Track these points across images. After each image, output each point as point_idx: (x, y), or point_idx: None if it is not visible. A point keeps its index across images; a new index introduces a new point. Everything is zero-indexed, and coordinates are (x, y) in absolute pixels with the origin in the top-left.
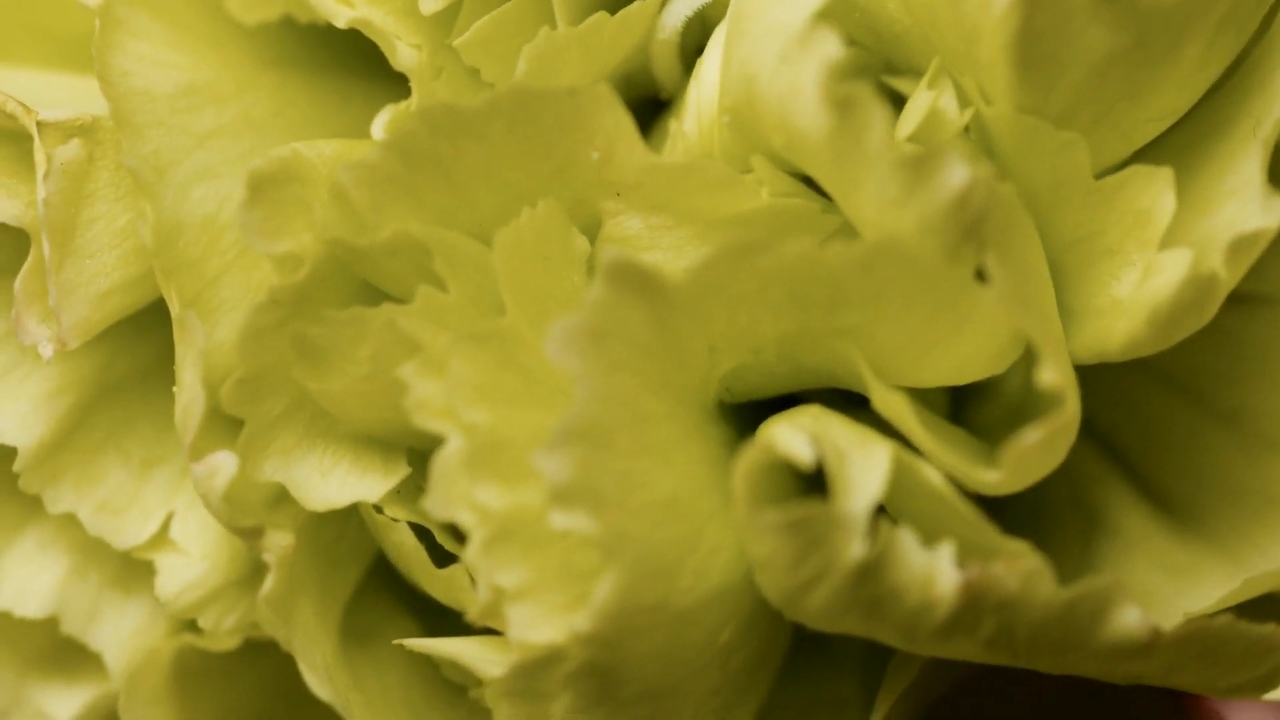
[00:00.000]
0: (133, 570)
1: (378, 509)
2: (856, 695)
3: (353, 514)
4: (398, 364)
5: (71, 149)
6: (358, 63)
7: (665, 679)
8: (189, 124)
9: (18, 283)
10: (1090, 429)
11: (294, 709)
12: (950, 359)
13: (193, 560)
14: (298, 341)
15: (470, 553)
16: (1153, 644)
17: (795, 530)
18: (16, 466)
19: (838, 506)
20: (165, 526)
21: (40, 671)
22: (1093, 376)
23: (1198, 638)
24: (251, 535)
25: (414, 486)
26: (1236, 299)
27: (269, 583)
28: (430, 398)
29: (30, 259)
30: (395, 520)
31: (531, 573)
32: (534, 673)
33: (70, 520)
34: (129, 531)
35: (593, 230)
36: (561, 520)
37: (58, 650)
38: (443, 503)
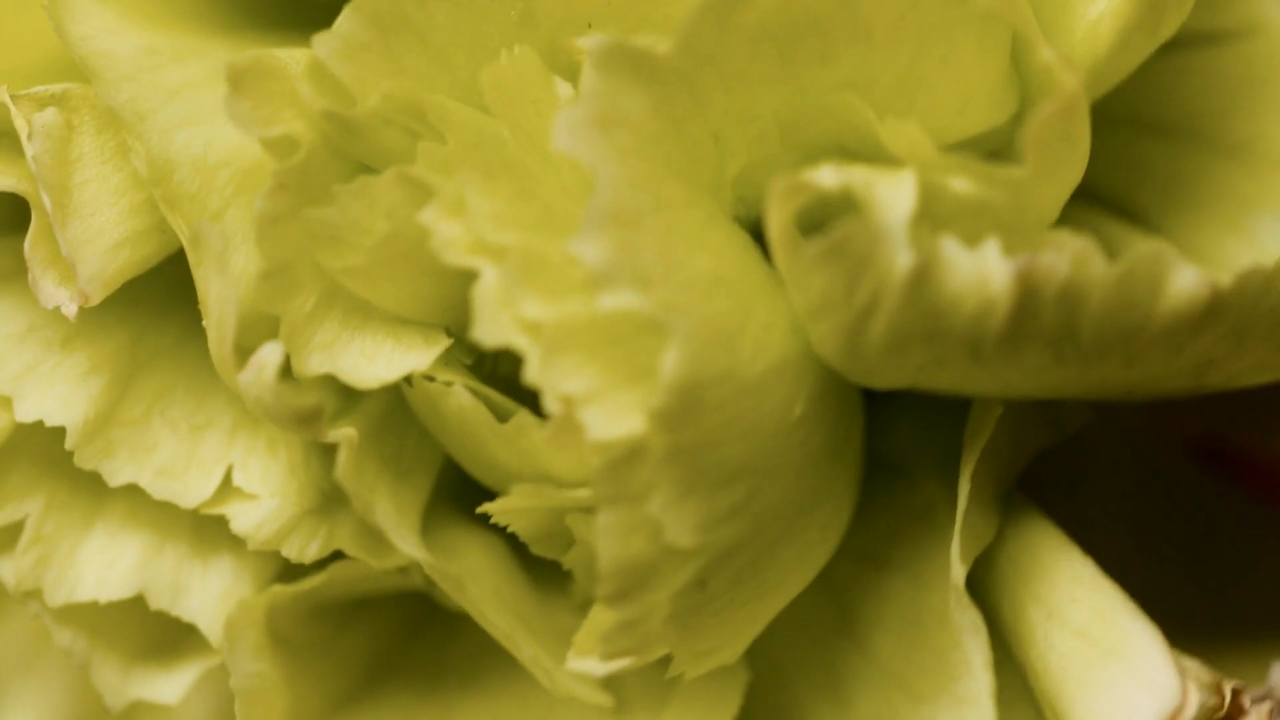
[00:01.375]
0: (206, 540)
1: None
2: (940, 495)
3: (411, 426)
4: (415, 216)
5: (49, 115)
6: (303, 19)
7: (749, 457)
8: (157, 79)
9: (27, 248)
10: (1099, 195)
11: (389, 674)
12: (949, 98)
13: (263, 500)
14: (311, 224)
15: (532, 371)
16: (1215, 302)
17: (840, 252)
18: (69, 444)
19: (875, 219)
20: (228, 478)
21: (141, 663)
22: (1094, 144)
23: (1260, 286)
24: (312, 419)
25: (457, 361)
26: (1211, 39)
27: (341, 459)
28: (455, 236)
29: (34, 224)
30: (449, 384)
31: (597, 375)
32: (622, 471)
33: (135, 508)
34: (193, 490)
35: (573, 77)
36: (611, 301)
37: (153, 639)
38: (492, 330)
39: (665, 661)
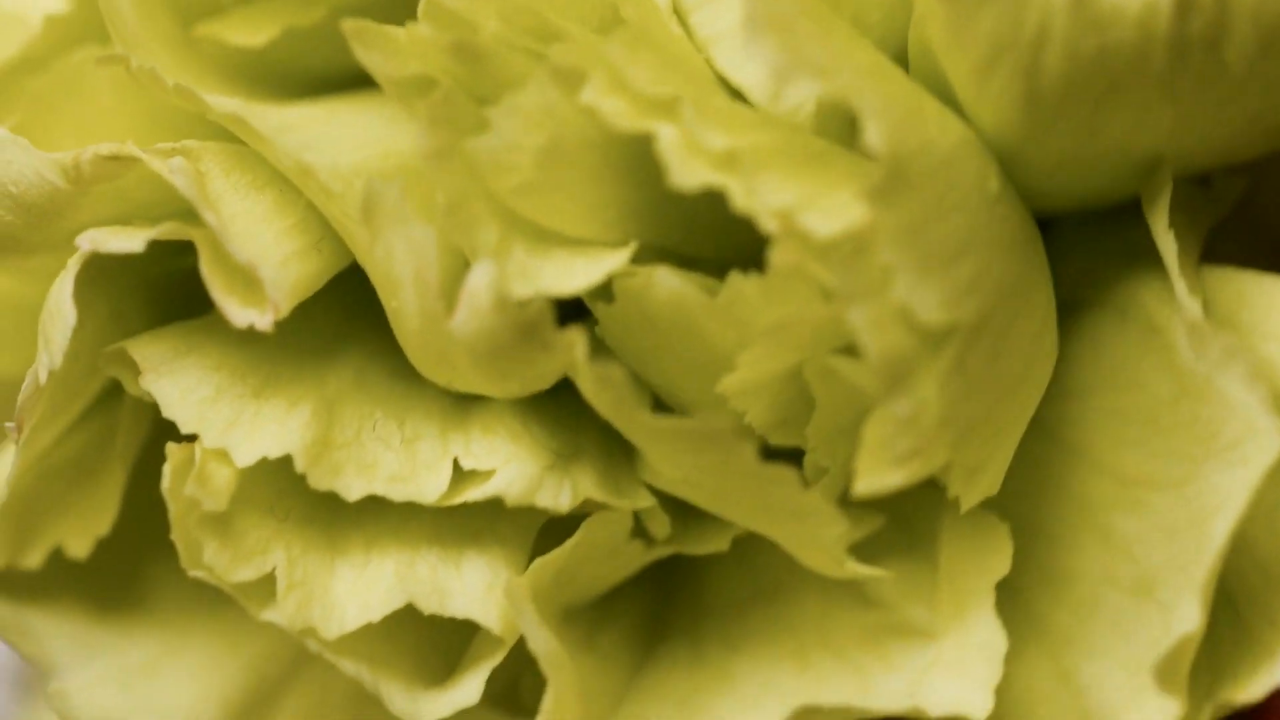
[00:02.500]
0: (451, 545)
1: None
2: (1129, 292)
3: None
4: (573, 109)
5: (178, 162)
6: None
7: (968, 229)
8: (261, 119)
9: (205, 278)
10: None
11: (653, 660)
12: None
13: (500, 472)
14: (474, 154)
15: (738, 200)
16: None
17: None
18: (299, 467)
19: None
20: (458, 469)
21: (424, 682)
22: None
23: None
24: (540, 323)
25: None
26: None
27: (581, 360)
28: (622, 106)
29: (202, 256)
30: (651, 274)
31: (804, 183)
32: (858, 263)
33: (371, 538)
34: (429, 487)
35: None
36: (796, 93)
37: (431, 656)
38: (687, 175)
39: (920, 557)
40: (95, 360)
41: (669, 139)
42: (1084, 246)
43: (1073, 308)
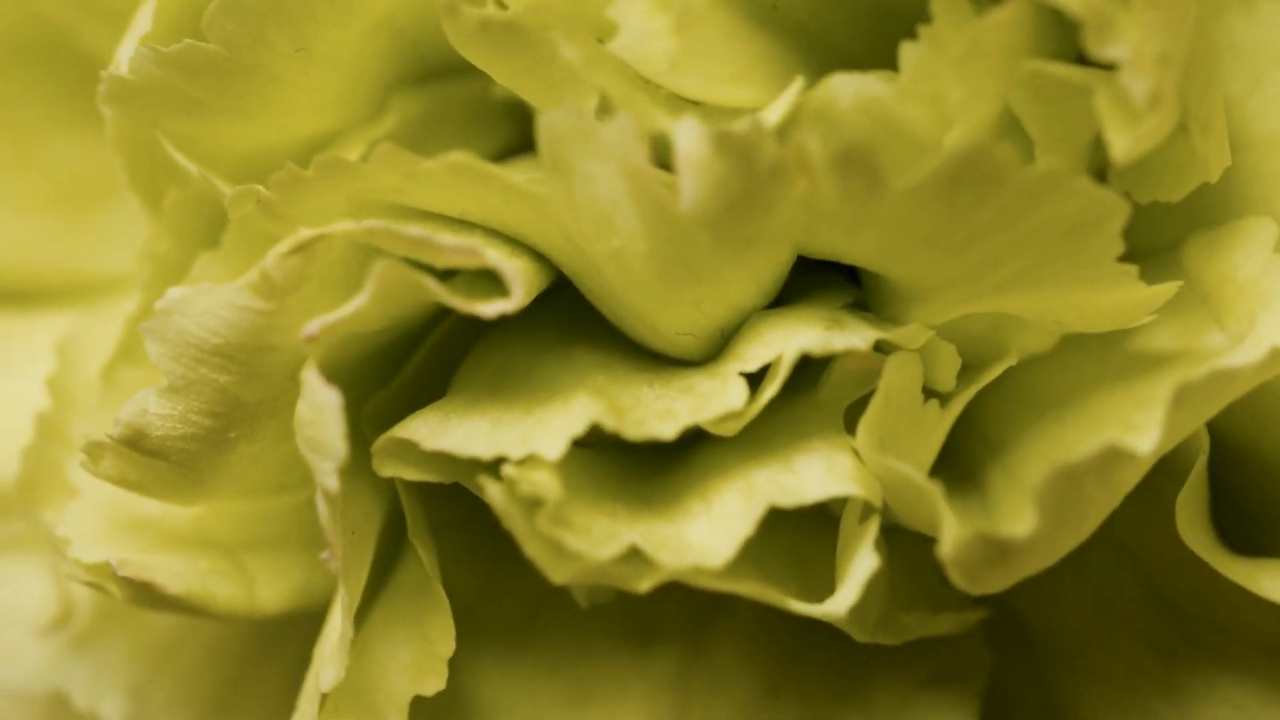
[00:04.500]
0: (776, 460)
1: None
2: None
3: None
4: None
5: (349, 224)
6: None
7: None
8: None
9: (443, 300)
10: None
11: None
12: None
13: (786, 350)
14: (619, 53)
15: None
16: None
17: None
18: (609, 425)
19: None
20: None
21: (816, 588)
22: None
23: None
24: (762, 145)
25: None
26: None
27: (817, 157)
28: None
29: (429, 287)
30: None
31: None
32: None
33: (704, 494)
34: (734, 399)
35: None
36: None
37: (802, 576)
38: None
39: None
40: (363, 480)
41: None
42: None
43: None
